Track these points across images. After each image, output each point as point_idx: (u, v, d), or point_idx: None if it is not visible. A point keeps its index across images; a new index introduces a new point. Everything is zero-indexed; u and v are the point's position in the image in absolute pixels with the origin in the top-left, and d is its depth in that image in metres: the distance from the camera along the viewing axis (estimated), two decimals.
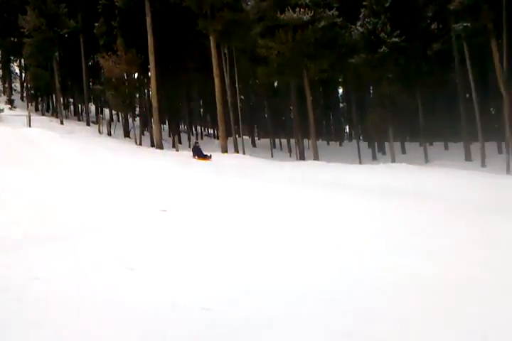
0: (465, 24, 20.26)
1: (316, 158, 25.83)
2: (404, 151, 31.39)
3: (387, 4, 23.35)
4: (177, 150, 25.02)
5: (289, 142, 36.24)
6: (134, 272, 3.83)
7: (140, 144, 27.97)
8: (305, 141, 33.12)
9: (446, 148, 31.25)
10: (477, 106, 24.41)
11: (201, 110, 51.57)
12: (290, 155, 33.33)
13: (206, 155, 20.34)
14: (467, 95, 25.67)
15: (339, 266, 4.19)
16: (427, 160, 27.10)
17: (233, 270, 3.99)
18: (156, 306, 3.10)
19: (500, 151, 25.82)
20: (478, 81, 26.23)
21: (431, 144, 32.35)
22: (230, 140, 30.47)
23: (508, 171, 20.59)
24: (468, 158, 25.85)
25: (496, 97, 23.11)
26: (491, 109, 30.65)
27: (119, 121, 36.71)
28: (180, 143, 32.95)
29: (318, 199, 8.78)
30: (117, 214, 6.52)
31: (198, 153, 20.42)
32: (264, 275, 3.85)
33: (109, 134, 29.48)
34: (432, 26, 26.54)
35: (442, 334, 2.81)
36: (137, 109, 31.50)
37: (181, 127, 44.78)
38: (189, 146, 33.54)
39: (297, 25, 23.50)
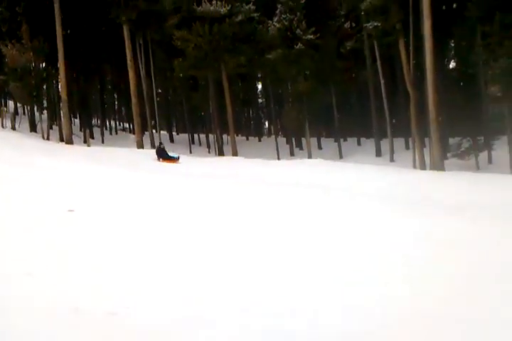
0: (375, 24, 21.10)
1: (235, 153, 25.79)
2: (320, 147, 32.24)
3: (302, 1, 23.73)
4: (88, 146, 23.76)
5: (207, 137, 35.88)
6: (32, 277, 3.41)
7: (48, 139, 26.22)
8: (224, 136, 32.97)
9: (359, 143, 32.52)
10: (387, 104, 25.61)
11: (115, 103, 49.61)
12: (209, 151, 32.98)
13: (173, 157, 18.53)
14: (378, 93, 26.81)
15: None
16: (341, 155, 28.03)
17: (143, 272, 3.69)
18: (57, 311, 2.82)
19: (407, 147, 27.27)
20: (388, 79, 27.52)
21: (345, 140, 33.56)
22: (147, 135, 29.57)
23: (414, 165, 21.74)
24: (378, 153, 27.09)
25: (405, 96, 24.32)
26: (400, 107, 32.28)
27: (24, 114, 34.19)
28: (92, 137, 31.36)
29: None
30: (16, 214, 5.84)
31: (163, 155, 18.50)
32: (171, 276, 3.59)
33: (13, 128, 27.33)
34: (346, 25, 27.41)
35: None
36: (45, 101, 29.44)
37: (94, 121, 42.79)
38: (102, 142, 32.12)
39: (214, 18, 23.26)
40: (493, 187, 11.30)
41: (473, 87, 21.71)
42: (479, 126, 21.76)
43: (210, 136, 34.81)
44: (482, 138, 21.98)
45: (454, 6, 20.19)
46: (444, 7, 20.63)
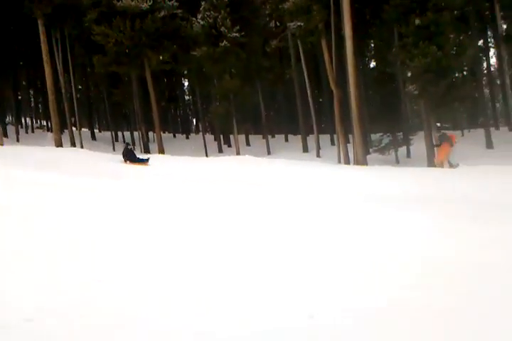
0: (298, 23, 21.38)
1: (162, 151, 25.26)
2: (248, 143, 32.38)
3: None
4: (1, 145, 22.14)
5: (132, 135, 34.78)
6: None
7: None
8: (150, 133, 32.15)
9: (286, 140, 33.03)
10: (312, 102, 26.17)
11: (32, 100, 46.78)
12: (134, 149, 31.95)
13: (142, 160, 16.36)
14: (303, 91, 27.30)
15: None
16: (269, 151, 28.31)
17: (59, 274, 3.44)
18: None
19: (333, 143, 28.08)
20: (313, 78, 28.09)
21: (273, 137, 33.98)
22: (66, 133, 28.16)
23: (339, 161, 22.42)
24: (305, 149, 27.63)
25: (329, 94, 24.94)
26: (325, 104, 33.14)
27: None
28: (5, 136, 29.33)
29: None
30: None
31: (131, 157, 16.44)
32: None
33: None
34: (270, 24, 27.57)
35: None
36: None
37: (8, 119, 40.11)
38: (17, 140, 30.18)
39: (136, 13, 22.51)
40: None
41: (392, 85, 22.69)
42: (398, 123, 22.84)
43: (135, 134, 33.80)
44: (401, 133, 23.07)
45: (373, 8, 20.87)
46: (363, 9, 21.30)
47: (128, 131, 37.67)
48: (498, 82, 34.92)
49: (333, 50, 20.96)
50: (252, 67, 25.96)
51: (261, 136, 33.44)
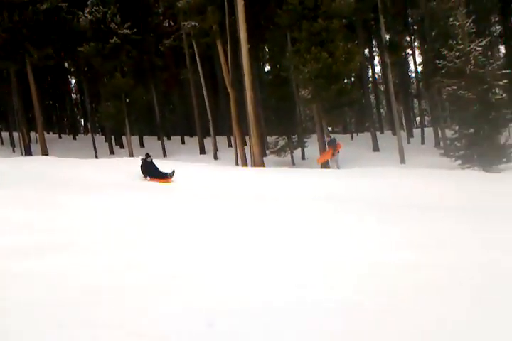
0: (193, 23, 20.93)
1: (45, 153, 23.43)
2: (142, 145, 31.11)
3: None
4: None
5: (11, 135, 31.66)
6: None
7: None
8: (32, 134, 29.58)
9: (183, 142, 32.31)
10: (208, 103, 25.81)
11: None
12: (13, 151, 29.20)
13: (166, 174, 12.99)
14: (200, 92, 26.78)
15: None
16: (165, 154, 27.43)
17: None
18: None
19: (230, 145, 27.98)
20: (209, 79, 27.75)
21: (169, 138, 33.05)
22: None
23: (236, 162, 22.38)
24: (202, 151, 27.21)
25: (226, 95, 24.74)
26: (222, 106, 32.97)
27: None
28: None
29: None
30: None
31: (152, 171, 13.11)
32: None
33: None
34: (165, 22, 26.77)
35: None
36: None
37: None
38: None
39: (14, 4, 20.54)
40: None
41: (287, 89, 23.12)
42: (293, 126, 23.35)
43: (15, 134, 30.82)
44: (296, 136, 23.61)
45: (267, 12, 21.10)
46: (258, 13, 21.45)
47: (7, 131, 34.27)
48: (383, 88, 37.43)
49: (228, 52, 20.81)
50: (145, 65, 25.01)
51: (156, 137, 32.36)
